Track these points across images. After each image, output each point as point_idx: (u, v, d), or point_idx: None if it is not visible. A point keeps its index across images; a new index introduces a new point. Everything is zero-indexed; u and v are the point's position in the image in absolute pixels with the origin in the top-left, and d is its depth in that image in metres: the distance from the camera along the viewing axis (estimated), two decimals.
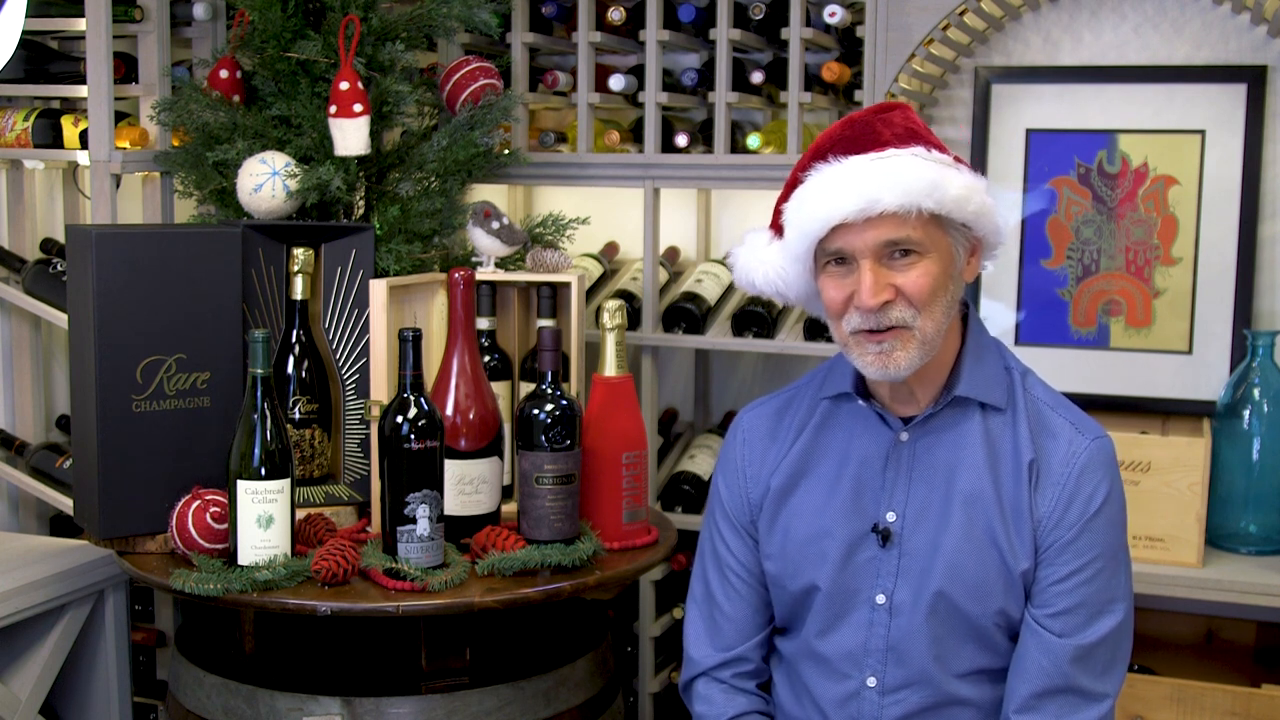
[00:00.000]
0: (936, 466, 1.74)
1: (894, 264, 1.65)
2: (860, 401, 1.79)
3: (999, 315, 2.64)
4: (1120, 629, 1.71)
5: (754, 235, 1.80)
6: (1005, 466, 1.72)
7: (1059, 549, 1.69)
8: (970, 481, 1.72)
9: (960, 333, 1.77)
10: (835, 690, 1.78)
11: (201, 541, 2.11)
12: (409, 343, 2.08)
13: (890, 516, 1.75)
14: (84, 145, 2.68)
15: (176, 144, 2.68)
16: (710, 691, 1.89)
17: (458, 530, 2.21)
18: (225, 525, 2.10)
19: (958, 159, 1.70)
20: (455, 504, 2.21)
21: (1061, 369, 2.59)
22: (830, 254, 1.68)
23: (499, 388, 2.39)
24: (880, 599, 1.75)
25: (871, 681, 1.76)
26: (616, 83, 2.81)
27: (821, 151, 1.70)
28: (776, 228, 1.76)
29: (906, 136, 1.68)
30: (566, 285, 2.42)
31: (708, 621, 1.90)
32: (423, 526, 2.06)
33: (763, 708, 1.88)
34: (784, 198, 1.73)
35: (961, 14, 2.51)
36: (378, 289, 2.27)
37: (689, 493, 2.81)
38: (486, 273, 2.43)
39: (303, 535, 2.19)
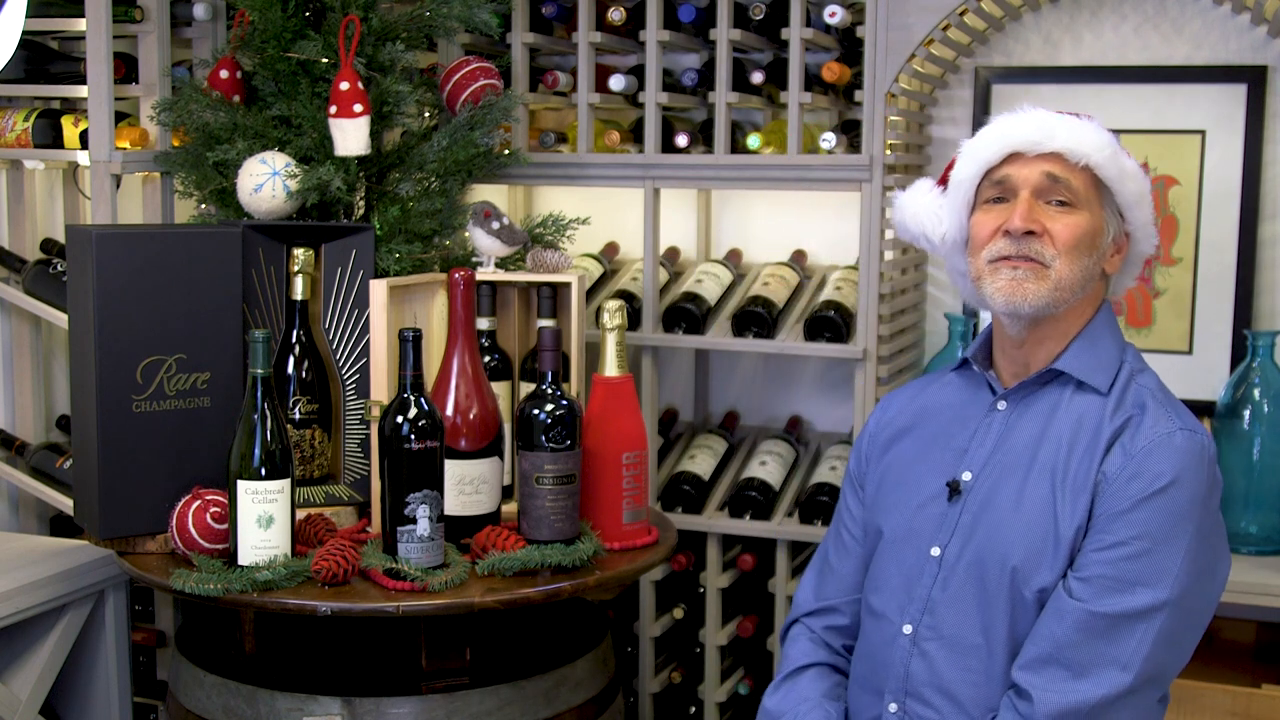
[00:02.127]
0: (1023, 437, 1.78)
1: (1048, 210, 1.74)
2: (974, 367, 1.87)
3: None
4: (1149, 614, 1.63)
5: (921, 181, 1.92)
6: (1084, 440, 1.72)
7: (1111, 517, 1.67)
8: (1049, 456, 1.74)
9: (1088, 320, 1.80)
10: (878, 635, 1.83)
11: (201, 541, 2.11)
12: (409, 343, 2.08)
13: (966, 475, 1.80)
14: (84, 145, 2.68)
15: (176, 144, 2.67)
16: (799, 635, 1.98)
17: (458, 530, 2.21)
18: (225, 525, 2.10)
19: (1129, 154, 1.79)
20: (455, 504, 2.21)
21: None
22: (994, 185, 1.78)
23: (499, 388, 2.39)
24: (935, 551, 1.79)
25: (907, 628, 1.79)
26: (616, 83, 2.81)
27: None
28: (943, 183, 1.87)
29: (1088, 117, 1.79)
30: (567, 285, 2.42)
31: (818, 573, 2.00)
32: (423, 526, 2.06)
33: (838, 664, 1.94)
34: (957, 154, 1.84)
35: (961, 14, 2.51)
36: (378, 289, 2.27)
37: (689, 493, 2.81)
38: (487, 273, 2.43)
39: (303, 535, 2.19)
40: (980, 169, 1.79)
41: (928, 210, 1.88)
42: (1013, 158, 1.77)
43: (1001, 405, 1.82)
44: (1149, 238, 1.82)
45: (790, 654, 1.97)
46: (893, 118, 2.61)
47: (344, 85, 2.40)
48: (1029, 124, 1.76)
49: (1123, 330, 2.59)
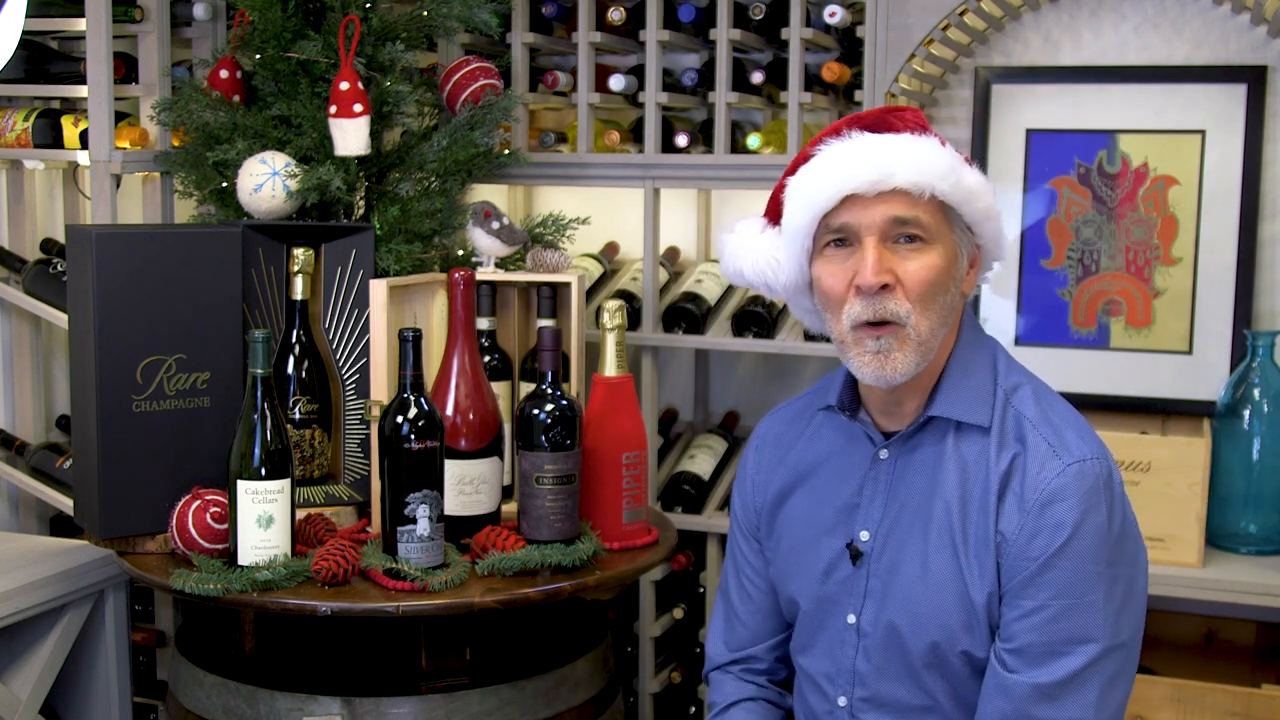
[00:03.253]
0: (912, 487, 1.68)
1: (898, 249, 1.60)
2: (843, 415, 1.75)
3: (999, 316, 2.64)
4: (1090, 668, 1.58)
5: (745, 223, 1.75)
6: (975, 493, 1.63)
7: (1022, 583, 1.59)
8: (940, 508, 1.65)
9: (953, 345, 1.70)
10: (818, 703, 1.78)
11: (201, 541, 2.11)
12: (409, 343, 2.08)
13: (864, 535, 1.71)
14: (84, 145, 2.68)
15: (176, 144, 2.67)
16: (722, 679, 1.92)
17: (458, 530, 2.21)
18: (225, 525, 2.10)
19: (968, 160, 1.66)
20: (455, 504, 2.21)
21: (1061, 369, 2.59)
22: (833, 232, 1.62)
23: (499, 388, 2.39)
24: (851, 618, 1.72)
25: (842, 701, 1.74)
26: (616, 83, 2.81)
27: (834, 131, 1.65)
28: (771, 216, 1.71)
29: (920, 129, 1.64)
30: (566, 285, 2.42)
31: (725, 620, 1.92)
32: (423, 526, 2.06)
33: (770, 697, 1.89)
34: (781, 186, 1.69)
35: (961, 14, 2.51)
36: (378, 289, 2.27)
37: (689, 493, 2.81)
38: (486, 273, 2.43)
39: (303, 535, 2.19)
40: (814, 217, 1.62)
41: (765, 258, 1.70)
42: (850, 200, 1.59)
43: (884, 454, 1.71)
44: (1000, 246, 1.69)
45: (718, 697, 1.89)
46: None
47: (344, 85, 2.40)
48: (863, 163, 1.58)
49: (1122, 330, 2.60)
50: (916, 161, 1.58)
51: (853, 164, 1.59)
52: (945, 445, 1.67)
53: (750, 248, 1.72)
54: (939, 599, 1.64)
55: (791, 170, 1.68)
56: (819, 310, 1.71)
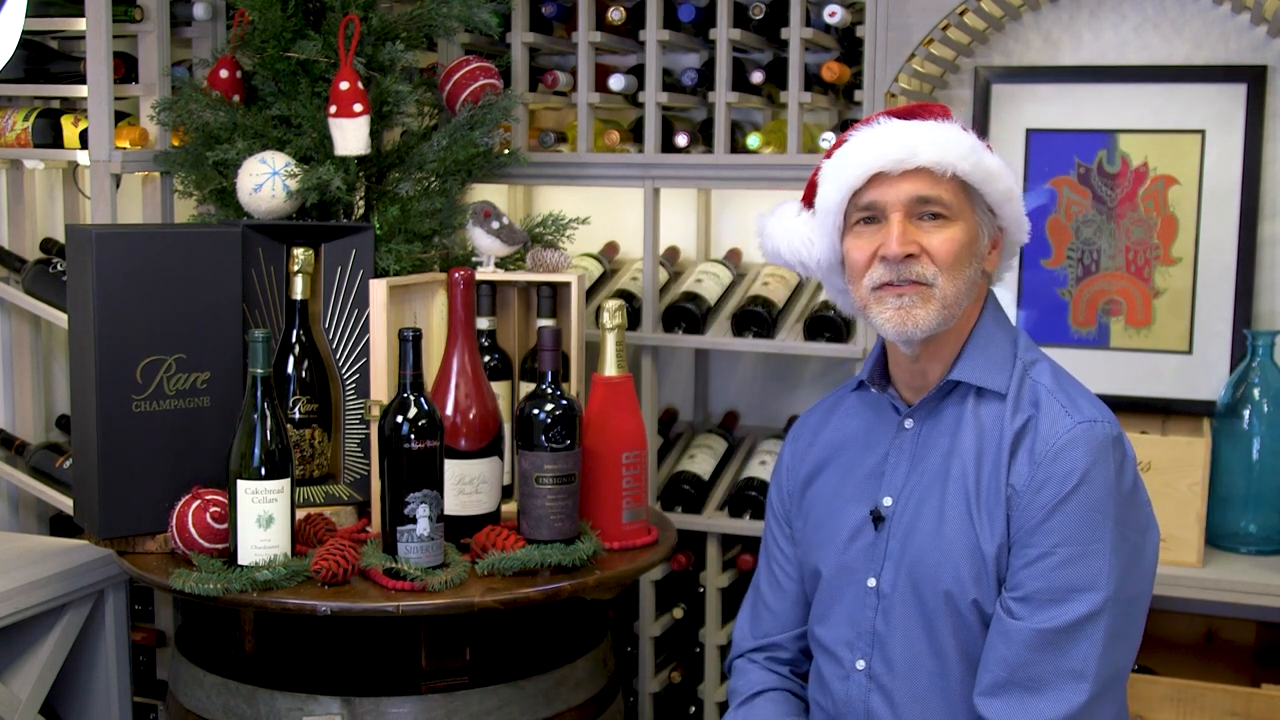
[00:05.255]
0: (935, 453, 1.76)
1: (922, 225, 1.70)
2: (872, 389, 1.83)
3: None
4: (1093, 618, 1.62)
5: (784, 206, 1.85)
6: (989, 452, 1.71)
7: (1029, 530, 1.65)
8: (957, 467, 1.72)
9: (976, 319, 1.78)
10: (834, 671, 1.81)
11: (201, 541, 2.11)
12: (409, 343, 2.08)
13: (886, 501, 1.78)
14: (84, 145, 2.68)
15: (176, 144, 2.67)
16: (746, 667, 1.96)
17: (458, 530, 2.21)
18: (225, 525, 2.10)
19: (989, 146, 1.75)
20: (455, 504, 2.21)
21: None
22: (862, 209, 1.72)
23: (499, 388, 2.39)
24: (871, 582, 1.77)
25: (860, 665, 1.78)
26: (616, 83, 2.81)
27: (868, 122, 1.75)
28: (807, 200, 1.81)
29: (946, 118, 1.74)
30: (566, 285, 2.42)
31: (753, 608, 1.98)
32: (423, 526, 2.06)
33: (792, 688, 1.92)
34: (817, 171, 1.78)
35: (961, 14, 2.51)
36: (378, 289, 2.27)
37: (689, 493, 2.81)
38: (486, 273, 2.43)
39: (303, 535, 2.19)
40: (845, 195, 1.73)
41: (800, 237, 1.81)
42: (877, 178, 1.70)
43: (908, 423, 1.79)
44: (1021, 229, 1.78)
45: (741, 684, 1.94)
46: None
47: (344, 85, 2.40)
48: (889, 143, 1.69)
49: (1122, 330, 2.60)
50: (939, 142, 1.69)
51: (880, 145, 1.70)
52: (965, 409, 1.75)
53: (787, 228, 1.82)
54: (952, 550, 1.70)
55: (828, 156, 1.78)
56: (849, 288, 1.79)
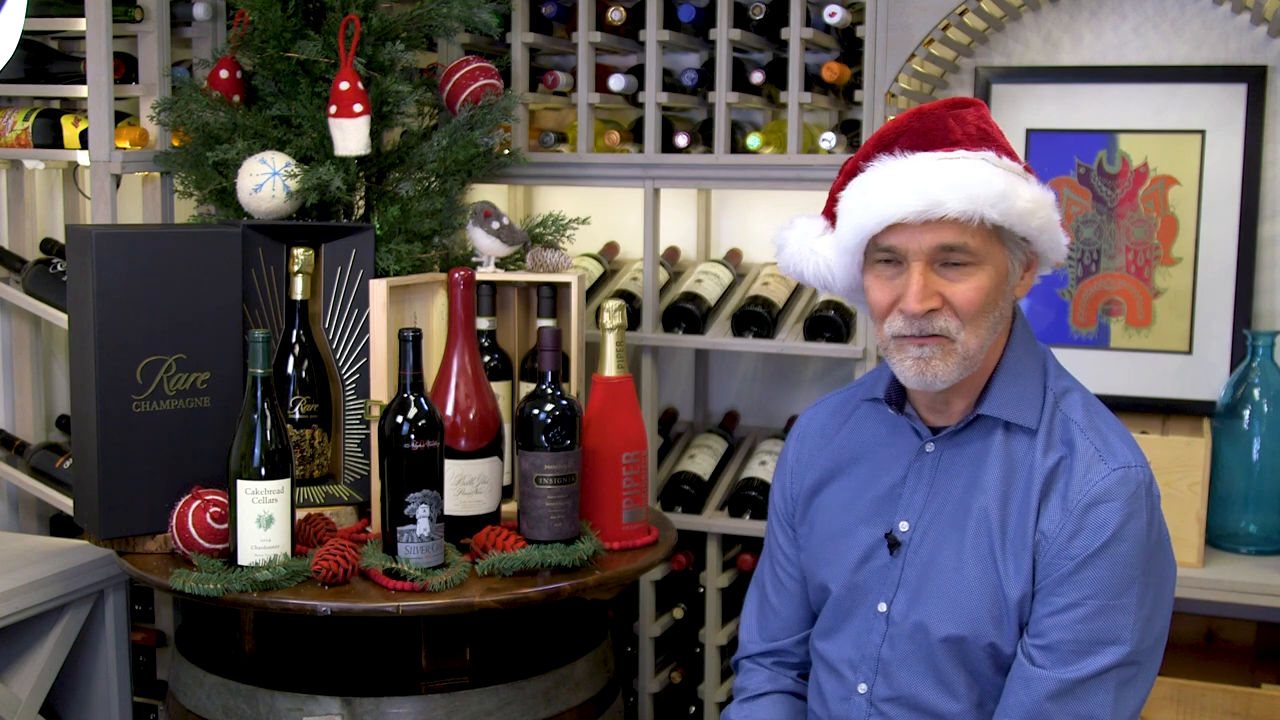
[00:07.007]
0: (956, 482, 1.70)
1: (945, 272, 1.61)
2: (890, 410, 1.77)
3: None
4: (1116, 671, 1.60)
5: (805, 221, 1.77)
6: (1017, 491, 1.65)
7: (1058, 580, 1.61)
8: (981, 503, 1.67)
9: (1004, 346, 1.71)
10: (835, 690, 1.79)
11: (201, 541, 2.11)
12: (409, 343, 2.08)
13: (903, 525, 1.73)
14: (84, 145, 2.68)
15: (176, 144, 2.67)
16: (754, 669, 1.93)
17: (458, 530, 2.21)
18: (225, 525, 2.10)
19: (1027, 168, 1.65)
20: (455, 504, 2.21)
21: None
22: (882, 250, 1.64)
23: (499, 388, 2.39)
24: (881, 607, 1.74)
25: (862, 688, 1.75)
26: (616, 83, 2.81)
27: (886, 142, 1.64)
28: (829, 215, 1.73)
29: (979, 139, 1.63)
30: (566, 285, 2.42)
31: (759, 611, 1.94)
32: (423, 526, 2.06)
33: (798, 690, 1.91)
34: (840, 185, 1.69)
35: (961, 14, 2.51)
36: (378, 289, 2.27)
37: (689, 493, 2.81)
38: (486, 273, 2.43)
39: (303, 535, 2.19)
40: (864, 238, 1.63)
41: (824, 262, 1.72)
42: (898, 226, 1.60)
43: (930, 448, 1.74)
44: (1059, 251, 1.68)
45: (749, 683, 1.92)
46: (892, 117, 2.61)
47: (344, 85, 2.40)
48: (910, 193, 1.57)
49: (1122, 330, 2.60)
50: (967, 188, 1.57)
51: (901, 192, 1.59)
52: (992, 443, 1.69)
53: (811, 249, 1.74)
54: (971, 593, 1.66)
55: (850, 168, 1.69)
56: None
